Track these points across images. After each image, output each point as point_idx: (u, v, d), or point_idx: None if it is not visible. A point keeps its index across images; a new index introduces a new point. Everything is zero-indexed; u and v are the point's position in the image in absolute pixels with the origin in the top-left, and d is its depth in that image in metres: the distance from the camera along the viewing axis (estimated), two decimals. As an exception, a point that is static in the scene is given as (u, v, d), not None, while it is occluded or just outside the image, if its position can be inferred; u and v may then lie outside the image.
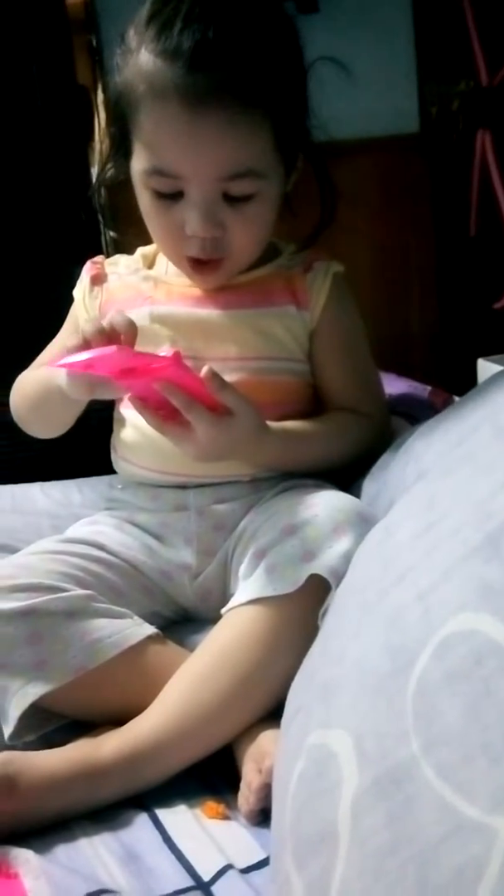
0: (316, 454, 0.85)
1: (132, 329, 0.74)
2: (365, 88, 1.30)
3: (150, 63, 0.73)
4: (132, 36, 0.76)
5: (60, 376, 0.76)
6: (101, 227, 1.35)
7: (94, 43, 1.38)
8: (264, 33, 0.75)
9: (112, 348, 0.70)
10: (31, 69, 1.28)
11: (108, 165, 0.85)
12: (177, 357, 0.70)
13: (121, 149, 0.82)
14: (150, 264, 0.91)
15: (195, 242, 0.79)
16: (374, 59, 1.43)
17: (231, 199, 0.77)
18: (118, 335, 0.73)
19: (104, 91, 1.38)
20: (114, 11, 1.36)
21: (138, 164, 0.79)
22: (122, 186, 0.84)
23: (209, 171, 0.75)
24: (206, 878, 0.58)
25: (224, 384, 0.73)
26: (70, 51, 1.31)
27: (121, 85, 0.77)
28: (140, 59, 0.74)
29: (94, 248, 1.34)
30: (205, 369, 0.72)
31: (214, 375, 0.72)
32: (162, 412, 0.75)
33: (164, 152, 0.75)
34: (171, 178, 0.76)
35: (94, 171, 1.36)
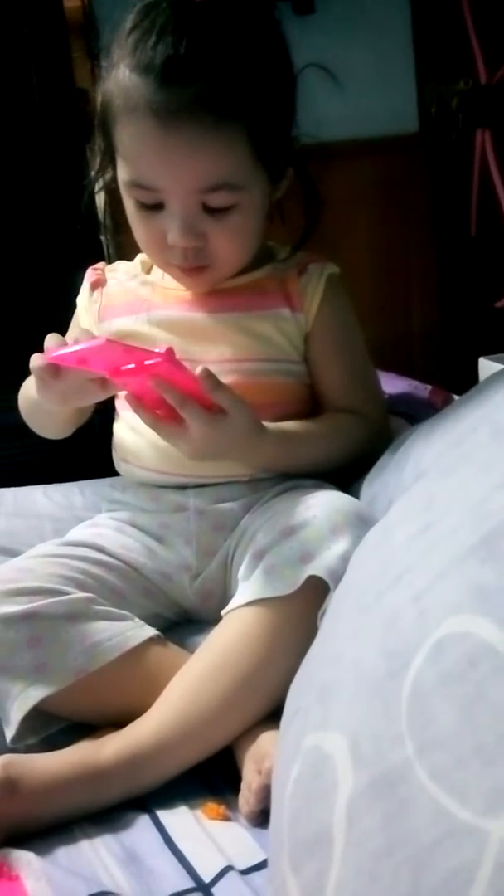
0: (313, 455, 0.85)
1: None
2: (363, 89, 1.30)
3: (126, 77, 0.74)
4: (114, 47, 0.76)
5: (34, 387, 0.76)
6: (102, 230, 1.36)
7: (93, 46, 1.38)
8: (241, 46, 0.74)
9: (101, 340, 0.70)
10: (29, 73, 1.29)
11: (100, 174, 0.85)
12: (170, 353, 0.70)
13: (107, 157, 0.82)
14: (149, 270, 0.92)
15: (177, 251, 0.79)
16: (371, 60, 1.43)
17: (211, 210, 0.77)
18: None
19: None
20: (112, 15, 1.36)
21: (120, 174, 0.80)
22: (119, 193, 0.84)
23: (184, 185, 0.75)
24: (206, 879, 0.58)
25: (218, 384, 0.73)
26: (68, 54, 1.31)
27: (103, 96, 0.78)
28: (118, 72, 0.75)
29: (95, 254, 1.34)
30: (199, 368, 0.72)
31: (209, 375, 0.73)
32: (158, 411, 0.75)
33: (140, 166, 0.76)
34: (150, 191, 0.77)
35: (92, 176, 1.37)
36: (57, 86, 1.30)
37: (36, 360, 0.74)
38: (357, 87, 1.22)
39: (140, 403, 0.75)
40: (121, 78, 0.74)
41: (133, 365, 0.70)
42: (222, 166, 0.75)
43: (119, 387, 0.74)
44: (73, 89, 1.33)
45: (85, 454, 1.35)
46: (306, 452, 0.85)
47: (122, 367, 0.70)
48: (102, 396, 0.76)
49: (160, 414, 0.75)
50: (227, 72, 0.73)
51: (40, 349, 0.84)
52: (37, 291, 1.35)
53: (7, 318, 1.34)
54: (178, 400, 0.72)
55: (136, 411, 0.75)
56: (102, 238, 1.36)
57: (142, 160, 0.76)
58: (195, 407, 0.73)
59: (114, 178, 0.83)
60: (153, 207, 0.78)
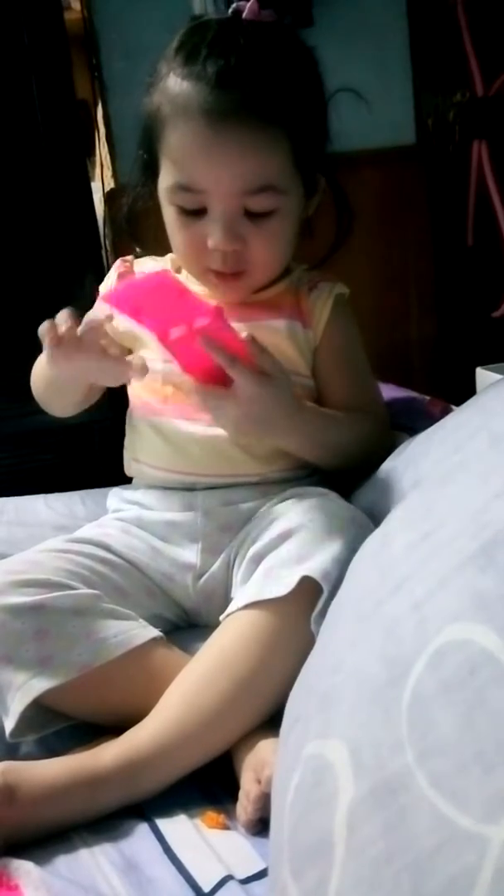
0: (338, 439, 0.87)
1: None
2: (361, 101, 1.31)
3: (177, 85, 0.78)
4: (162, 65, 0.80)
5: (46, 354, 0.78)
6: (102, 241, 1.37)
7: (94, 58, 1.39)
8: (284, 60, 0.79)
9: (158, 271, 0.72)
10: (30, 83, 1.29)
11: (137, 192, 0.88)
12: (219, 310, 0.71)
13: (148, 170, 0.85)
14: (178, 269, 0.93)
15: (217, 256, 0.81)
16: (369, 72, 1.44)
17: (252, 215, 0.80)
18: None
19: (104, 106, 1.39)
20: (113, 27, 1.37)
21: (164, 181, 0.82)
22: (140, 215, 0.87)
23: (230, 186, 0.78)
24: (206, 888, 0.58)
25: (263, 349, 0.77)
26: (69, 66, 1.32)
27: (149, 108, 0.82)
28: (168, 83, 0.79)
29: (95, 266, 1.35)
30: (245, 333, 0.75)
31: (254, 339, 0.76)
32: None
33: (187, 167, 0.79)
34: (194, 194, 0.80)
35: (94, 185, 1.38)
36: (57, 96, 1.31)
37: (48, 331, 0.76)
38: (355, 99, 1.23)
39: (188, 371, 0.76)
40: (171, 86, 0.79)
41: (182, 329, 0.70)
42: (267, 168, 0.78)
43: (167, 351, 0.74)
44: (73, 100, 1.34)
45: (86, 464, 1.35)
46: (333, 435, 0.86)
47: (171, 330, 0.70)
48: (118, 381, 0.79)
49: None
50: (272, 81, 0.78)
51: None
52: (37, 303, 1.35)
53: (7, 329, 1.34)
54: (227, 359, 0.74)
55: (182, 379, 0.78)
56: (103, 248, 1.36)
57: (190, 161, 0.79)
58: (245, 366, 0.75)
59: (150, 195, 0.86)
60: (195, 213, 0.81)
